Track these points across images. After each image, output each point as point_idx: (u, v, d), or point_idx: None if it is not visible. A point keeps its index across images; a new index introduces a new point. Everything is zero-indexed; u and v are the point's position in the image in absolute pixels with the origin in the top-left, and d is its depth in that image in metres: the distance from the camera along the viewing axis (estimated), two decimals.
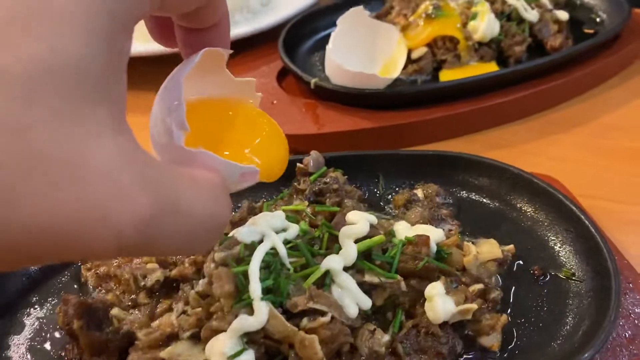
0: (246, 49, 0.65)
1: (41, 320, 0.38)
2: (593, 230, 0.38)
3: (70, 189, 0.16)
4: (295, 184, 0.44)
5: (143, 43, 0.64)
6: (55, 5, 0.17)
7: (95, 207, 0.16)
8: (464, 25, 0.61)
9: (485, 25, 0.60)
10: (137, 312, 0.37)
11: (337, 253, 0.34)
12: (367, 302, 0.34)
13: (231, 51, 0.27)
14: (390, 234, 0.38)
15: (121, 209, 0.17)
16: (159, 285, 0.37)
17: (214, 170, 0.23)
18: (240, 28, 0.65)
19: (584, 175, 0.51)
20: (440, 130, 0.56)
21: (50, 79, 0.16)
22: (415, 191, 0.44)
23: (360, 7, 0.58)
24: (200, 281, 0.35)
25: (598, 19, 0.69)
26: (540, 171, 0.48)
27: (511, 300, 0.37)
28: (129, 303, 0.37)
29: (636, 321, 0.36)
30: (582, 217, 0.39)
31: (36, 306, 0.39)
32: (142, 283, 0.37)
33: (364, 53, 0.57)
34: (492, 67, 0.60)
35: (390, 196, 0.46)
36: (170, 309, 0.36)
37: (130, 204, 0.17)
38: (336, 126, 0.54)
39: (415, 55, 0.60)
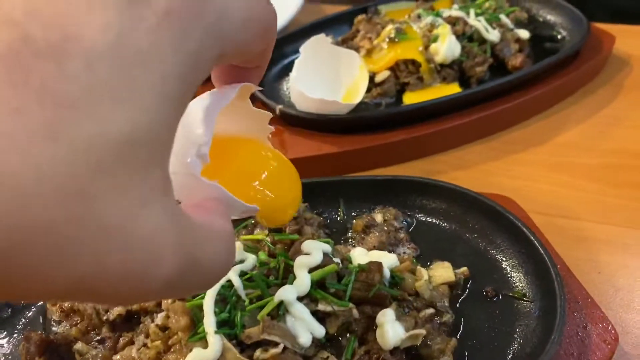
0: None
1: (7, 357, 0.38)
2: (542, 251, 0.40)
3: (117, 255, 0.17)
4: None
5: None
6: (134, 74, 0.17)
7: (136, 272, 0.17)
8: (426, 47, 0.62)
9: (446, 47, 0.61)
10: (100, 346, 0.38)
11: (292, 283, 0.36)
12: (320, 331, 0.35)
13: (260, 88, 0.28)
14: (347, 260, 0.40)
15: (157, 273, 0.18)
16: (121, 319, 0.38)
17: (220, 203, 0.24)
18: None
19: (541, 193, 0.53)
20: (404, 152, 0.57)
21: (123, 151, 0.16)
22: (374, 215, 0.46)
23: (322, 35, 0.59)
24: (160, 314, 0.36)
25: (559, 36, 0.71)
26: (500, 190, 0.49)
27: (463, 321, 0.39)
28: (93, 337, 0.38)
29: (583, 339, 0.37)
30: (532, 238, 0.41)
31: (2, 342, 0.39)
32: (105, 317, 0.38)
33: (327, 79, 0.59)
34: (454, 88, 0.62)
35: (352, 221, 0.47)
36: (132, 342, 0.37)
37: (165, 268, 0.18)
38: (301, 151, 0.55)
39: (378, 78, 0.61)
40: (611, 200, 0.52)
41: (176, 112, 0.18)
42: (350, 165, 0.56)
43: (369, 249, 0.42)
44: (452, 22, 0.65)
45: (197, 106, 0.25)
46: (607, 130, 0.60)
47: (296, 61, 0.58)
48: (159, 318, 0.36)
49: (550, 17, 0.73)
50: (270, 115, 0.30)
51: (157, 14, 0.18)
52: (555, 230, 0.48)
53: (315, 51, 0.58)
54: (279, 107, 0.57)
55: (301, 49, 0.58)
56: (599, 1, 0.95)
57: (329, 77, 0.59)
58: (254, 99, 0.62)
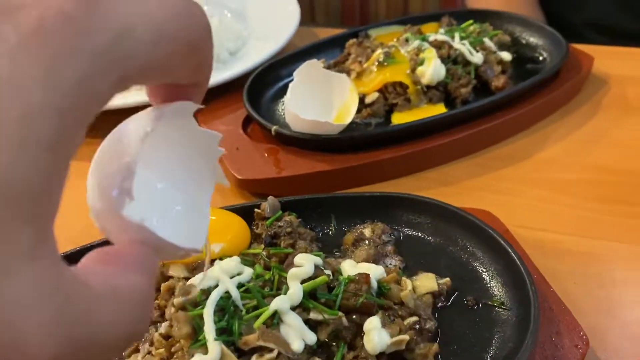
0: (214, 98, 0.70)
1: None
2: (519, 262, 0.43)
3: None
4: (254, 228, 0.48)
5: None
6: None
7: (9, 340, 0.15)
8: (413, 70, 0.66)
9: (432, 70, 0.65)
10: None
11: (286, 294, 0.39)
12: (312, 338, 0.38)
13: (202, 106, 0.25)
14: (338, 271, 0.42)
15: (35, 347, 0.15)
16: None
17: (145, 247, 0.21)
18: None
19: (522, 207, 0.56)
20: (393, 169, 0.61)
21: None
22: (363, 230, 0.49)
23: (315, 60, 0.63)
24: (163, 324, 0.39)
25: (541, 57, 0.75)
26: (483, 204, 0.52)
27: (445, 328, 0.41)
28: None
29: (556, 344, 0.40)
30: (510, 250, 0.44)
31: None
32: None
33: (319, 101, 0.62)
34: (440, 109, 0.65)
35: (343, 235, 0.50)
36: (137, 350, 0.40)
37: (43, 345, 0.15)
38: (295, 170, 0.58)
39: (368, 100, 0.65)
40: (588, 214, 0.55)
41: (54, 155, 0.15)
42: (342, 183, 0.59)
43: (358, 262, 0.45)
44: (438, 45, 0.68)
45: (128, 128, 0.22)
46: (587, 147, 0.64)
47: (290, 85, 0.61)
48: (163, 327, 0.39)
49: (533, 40, 0.77)
50: (220, 136, 0.26)
51: (21, 32, 0.14)
52: (534, 243, 0.52)
53: (308, 75, 0.61)
54: (274, 128, 0.60)
55: (295, 74, 0.62)
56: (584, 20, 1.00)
57: (321, 100, 0.62)
58: (250, 120, 0.65)
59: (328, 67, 0.71)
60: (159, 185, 0.25)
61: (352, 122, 0.63)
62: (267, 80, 0.70)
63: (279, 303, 0.37)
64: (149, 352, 0.39)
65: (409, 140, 0.61)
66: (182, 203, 0.25)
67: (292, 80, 0.63)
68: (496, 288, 0.44)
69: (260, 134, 0.64)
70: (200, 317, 0.37)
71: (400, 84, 0.65)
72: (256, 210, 0.48)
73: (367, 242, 0.48)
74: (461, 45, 0.68)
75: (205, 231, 0.26)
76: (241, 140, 0.63)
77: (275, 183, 0.57)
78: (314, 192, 0.55)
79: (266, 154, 0.61)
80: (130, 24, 0.17)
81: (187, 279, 0.41)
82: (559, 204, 0.56)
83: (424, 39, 0.69)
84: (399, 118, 0.65)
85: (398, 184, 0.61)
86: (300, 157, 0.60)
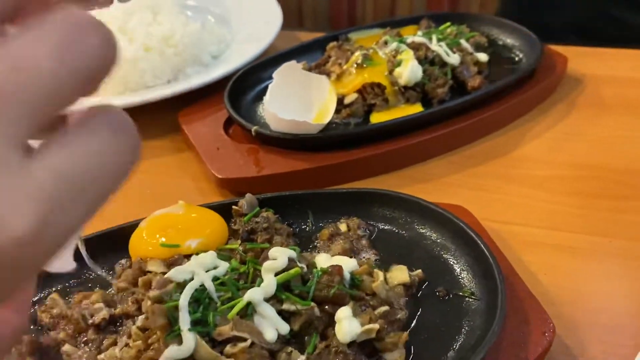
0: (196, 100, 0.71)
1: None
2: (487, 254, 0.44)
3: None
4: (232, 224, 0.49)
5: None
6: None
7: None
8: (391, 72, 0.67)
9: (409, 71, 0.66)
10: (86, 347, 0.41)
11: (259, 286, 0.40)
12: (285, 328, 0.39)
13: None
14: (312, 265, 0.44)
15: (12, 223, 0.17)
16: (105, 323, 0.42)
17: None
18: (191, 81, 0.71)
19: (496, 202, 0.57)
20: (371, 167, 0.62)
21: None
22: (339, 225, 0.50)
23: (293, 62, 0.64)
24: (140, 317, 0.40)
25: (517, 58, 0.76)
26: (459, 200, 0.54)
27: (417, 318, 0.43)
28: (80, 339, 0.42)
29: (524, 332, 0.41)
30: (480, 243, 0.45)
31: None
32: (90, 321, 0.42)
33: (298, 102, 0.63)
34: (417, 108, 0.67)
35: (320, 231, 0.51)
36: (115, 343, 0.41)
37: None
38: (275, 168, 0.59)
39: (347, 100, 0.66)
40: (560, 208, 0.57)
41: None
42: (321, 181, 0.60)
43: (333, 255, 0.46)
44: (415, 47, 0.70)
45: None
46: (560, 145, 0.65)
47: (269, 86, 0.62)
48: (139, 320, 0.40)
49: (509, 41, 0.79)
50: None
51: None
52: (507, 236, 0.53)
53: (287, 76, 0.63)
54: (254, 128, 0.62)
55: (274, 75, 0.63)
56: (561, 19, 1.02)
57: (300, 100, 0.63)
58: (232, 121, 0.66)
59: (309, 69, 0.72)
60: None
61: (331, 122, 0.64)
62: (249, 83, 0.72)
63: (253, 294, 0.38)
64: (127, 345, 0.40)
65: (386, 139, 0.63)
66: None
67: (272, 82, 0.64)
68: (466, 279, 0.45)
69: (241, 135, 0.65)
70: (176, 309, 0.38)
71: (379, 85, 0.67)
72: (234, 207, 0.49)
73: (342, 236, 0.49)
74: (438, 47, 0.70)
75: None
76: (222, 140, 0.64)
77: (255, 182, 0.59)
78: (294, 190, 0.56)
79: (246, 154, 0.62)
80: None
81: (164, 273, 0.42)
82: (533, 199, 0.58)
83: (402, 41, 0.71)
84: (378, 118, 0.66)
85: (376, 181, 0.62)
86: (280, 156, 0.61)
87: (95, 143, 0.19)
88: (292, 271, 0.40)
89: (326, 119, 0.62)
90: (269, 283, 0.39)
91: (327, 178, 0.61)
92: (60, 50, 0.18)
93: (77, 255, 0.48)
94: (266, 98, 0.62)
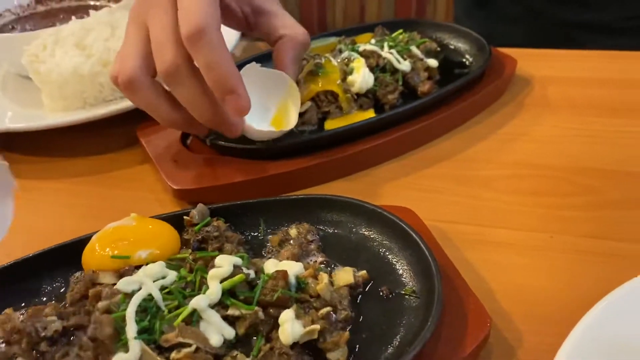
0: None
1: None
2: (427, 253, 0.46)
3: None
4: (184, 234, 0.51)
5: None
6: None
7: None
8: (344, 80, 0.69)
9: (361, 78, 0.68)
10: (39, 359, 0.42)
11: (205, 293, 0.41)
12: (230, 332, 0.40)
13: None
14: (261, 270, 0.45)
15: None
16: (58, 335, 0.43)
17: None
18: None
19: (443, 203, 0.60)
20: (325, 173, 0.64)
21: None
22: (289, 231, 0.52)
23: (253, 63, 0.65)
24: (90, 327, 0.41)
25: (467, 62, 0.79)
26: (408, 202, 0.56)
27: (360, 317, 0.44)
28: (33, 352, 0.43)
29: (460, 326, 0.43)
30: (420, 242, 0.47)
31: None
32: (43, 334, 0.43)
33: (258, 104, 0.63)
34: (370, 115, 0.69)
35: (270, 237, 0.53)
36: (67, 354, 0.42)
37: None
38: (230, 178, 0.61)
39: (301, 109, 0.68)
40: (505, 207, 0.59)
41: None
42: (277, 188, 0.62)
43: (282, 260, 0.48)
44: (367, 55, 0.72)
45: None
46: (507, 146, 0.68)
47: None
48: (90, 330, 0.41)
49: (460, 45, 0.81)
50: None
51: None
52: (453, 235, 0.55)
53: (248, 79, 0.63)
54: (208, 139, 0.63)
55: None
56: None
57: (261, 102, 0.64)
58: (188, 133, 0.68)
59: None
60: None
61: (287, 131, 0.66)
62: None
63: (197, 301, 0.40)
64: (78, 355, 0.41)
65: (339, 146, 0.65)
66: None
67: None
68: (408, 278, 0.47)
69: (199, 146, 0.67)
70: (123, 318, 0.39)
71: (332, 93, 0.69)
72: (185, 217, 0.51)
73: (292, 242, 0.50)
74: (389, 54, 0.72)
75: None
76: (180, 152, 0.65)
77: (210, 192, 0.60)
78: (250, 198, 0.57)
79: (203, 165, 0.63)
80: None
81: (114, 285, 0.44)
82: (479, 199, 0.60)
83: (354, 50, 0.73)
84: (331, 125, 0.68)
85: (331, 187, 0.64)
86: (236, 166, 0.62)
87: None
88: (236, 278, 0.42)
89: (289, 124, 0.63)
90: (213, 290, 0.41)
91: (282, 186, 0.63)
92: None
93: (34, 270, 0.50)
94: None
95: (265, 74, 0.65)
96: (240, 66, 0.77)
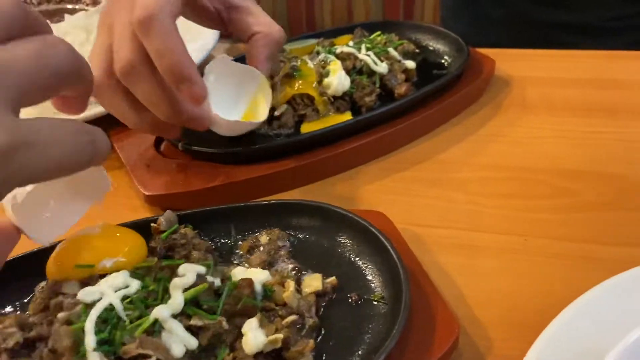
0: None
1: None
2: (395, 258, 0.45)
3: None
4: (151, 242, 0.50)
5: None
6: None
7: None
8: (320, 82, 0.69)
9: (337, 81, 0.68)
10: None
11: (167, 303, 0.41)
12: (193, 343, 0.40)
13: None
14: (228, 279, 0.45)
15: None
16: (19, 346, 0.42)
17: None
18: None
19: (417, 206, 0.59)
20: (301, 177, 0.63)
21: None
22: (259, 237, 0.51)
23: (224, 55, 0.64)
24: (51, 338, 0.41)
25: (446, 63, 0.79)
26: (383, 206, 0.55)
27: (328, 325, 0.44)
28: None
29: (429, 332, 0.43)
30: (389, 247, 0.46)
31: None
32: (3, 345, 0.42)
33: (228, 98, 0.63)
34: (347, 117, 0.68)
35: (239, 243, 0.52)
36: None
37: None
38: (203, 183, 0.60)
39: (277, 112, 0.67)
40: (480, 210, 0.59)
41: None
42: (251, 193, 0.61)
43: (252, 267, 0.47)
44: (344, 57, 0.72)
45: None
46: (484, 147, 0.67)
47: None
48: (50, 342, 0.40)
49: (438, 47, 0.81)
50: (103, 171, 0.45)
51: None
52: (427, 239, 0.55)
53: (219, 71, 0.62)
54: (180, 144, 0.63)
55: (206, 70, 0.62)
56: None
57: (234, 94, 0.63)
58: (162, 138, 0.67)
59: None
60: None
61: (262, 134, 0.65)
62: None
63: (159, 311, 0.39)
64: None
65: (316, 149, 0.64)
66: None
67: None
68: (377, 284, 0.46)
69: (173, 151, 0.66)
70: (82, 330, 0.39)
71: (308, 96, 0.68)
72: (152, 224, 0.50)
73: (261, 248, 0.50)
74: (366, 57, 0.72)
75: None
76: (153, 157, 0.65)
77: (182, 197, 0.59)
78: (224, 203, 0.57)
79: (176, 170, 0.63)
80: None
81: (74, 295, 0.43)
82: (454, 202, 0.60)
83: (330, 52, 0.72)
84: (308, 128, 0.67)
85: (306, 190, 0.63)
86: (209, 171, 0.62)
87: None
88: (199, 287, 0.41)
89: (260, 117, 0.62)
90: (175, 300, 0.40)
91: (257, 190, 0.62)
92: (37, 51, 0.30)
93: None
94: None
95: (236, 68, 0.64)
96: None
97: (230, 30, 0.68)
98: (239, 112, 0.64)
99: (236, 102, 0.64)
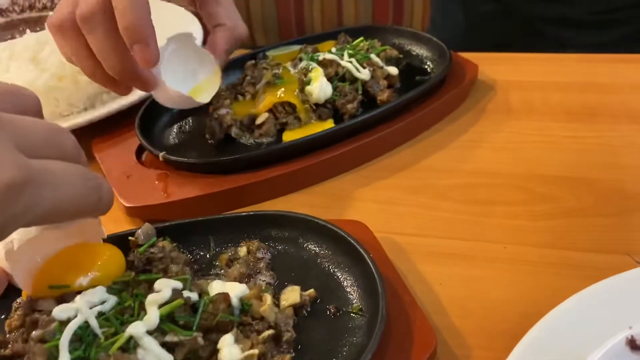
0: (109, 128, 0.71)
1: None
2: (373, 269, 0.45)
3: None
4: (130, 256, 0.50)
5: None
6: None
7: None
8: (302, 90, 0.69)
9: (319, 88, 0.68)
10: None
11: (142, 319, 0.40)
12: (168, 359, 0.39)
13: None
14: (206, 293, 0.45)
15: None
16: None
17: None
18: (105, 108, 0.72)
19: (398, 215, 0.59)
20: (282, 186, 0.63)
21: None
22: (239, 249, 0.51)
23: (190, 32, 0.66)
24: (25, 357, 0.40)
25: (429, 69, 0.79)
26: (363, 214, 0.56)
27: (305, 338, 0.44)
28: None
29: (406, 343, 0.43)
30: (366, 257, 0.46)
31: None
32: None
33: (180, 73, 0.65)
34: (329, 125, 0.68)
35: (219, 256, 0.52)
36: None
37: None
38: (183, 194, 0.60)
39: (259, 120, 0.67)
40: (461, 217, 0.59)
41: None
42: (232, 203, 0.61)
43: (230, 281, 0.47)
44: (326, 64, 0.72)
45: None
46: (465, 154, 0.68)
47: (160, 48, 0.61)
48: None
49: (421, 52, 0.81)
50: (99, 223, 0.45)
51: None
52: (407, 248, 0.55)
53: (181, 46, 0.65)
54: (161, 154, 0.62)
55: (168, 39, 0.64)
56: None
57: (187, 72, 0.65)
58: (143, 148, 0.67)
59: (227, 89, 0.73)
60: None
61: (243, 143, 0.66)
62: (161, 108, 0.72)
63: (134, 328, 0.39)
64: None
65: (298, 158, 0.64)
66: None
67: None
68: (356, 295, 0.46)
69: (153, 161, 0.66)
70: (57, 348, 0.38)
71: (289, 104, 0.68)
72: (130, 238, 0.50)
73: (240, 260, 0.50)
74: (347, 63, 0.72)
75: None
76: (134, 168, 0.65)
77: (162, 208, 0.59)
78: (206, 214, 0.56)
79: (156, 181, 0.62)
80: (34, 203, 0.30)
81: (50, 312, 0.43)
82: (435, 209, 0.60)
83: (312, 59, 0.72)
84: (290, 136, 0.67)
85: (288, 200, 0.63)
86: (189, 181, 0.62)
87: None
88: (174, 303, 0.41)
89: (206, 98, 0.65)
90: (151, 316, 0.40)
91: (239, 199, 0.62)
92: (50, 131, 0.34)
93: None
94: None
95: (197, 49, 0.67)
96: None
97: (199, 13, 0.70)
98: (185, 89, 0.65)
99: (185, 78, 0.67)
